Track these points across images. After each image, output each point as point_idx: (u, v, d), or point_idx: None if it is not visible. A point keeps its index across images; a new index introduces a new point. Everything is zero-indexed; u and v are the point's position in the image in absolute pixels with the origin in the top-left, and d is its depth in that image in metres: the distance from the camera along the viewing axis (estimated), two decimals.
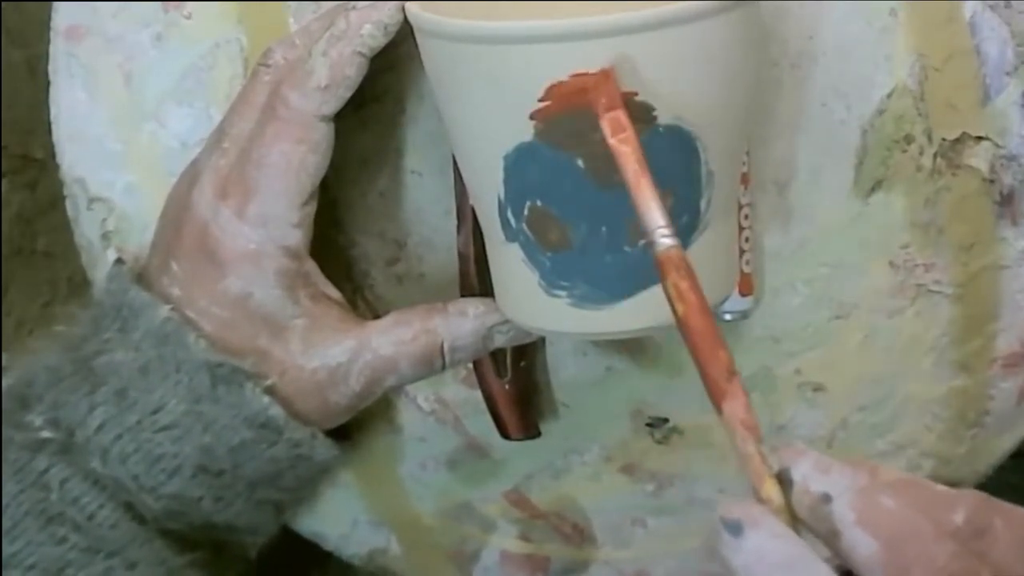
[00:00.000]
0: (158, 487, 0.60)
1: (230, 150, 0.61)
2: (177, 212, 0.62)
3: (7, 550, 0.57)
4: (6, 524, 0.57)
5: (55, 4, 0.69)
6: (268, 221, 0.60)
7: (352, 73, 0.59)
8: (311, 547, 0.74)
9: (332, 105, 0.59)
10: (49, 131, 0.70)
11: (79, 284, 0.73)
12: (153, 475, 0.59)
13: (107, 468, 0.59)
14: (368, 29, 0.58)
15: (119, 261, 0.65)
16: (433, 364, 0.62)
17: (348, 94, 0.59)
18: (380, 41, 0.59)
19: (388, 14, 0.58)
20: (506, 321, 0.61)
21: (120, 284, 0.61)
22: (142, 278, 0.62)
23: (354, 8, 0.59)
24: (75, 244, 0.71)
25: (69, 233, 0.71)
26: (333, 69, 0.58)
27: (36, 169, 0.93)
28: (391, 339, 0.61)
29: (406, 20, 0.57)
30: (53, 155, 0.70)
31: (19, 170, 0.92)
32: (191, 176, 0.62)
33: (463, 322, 0.62)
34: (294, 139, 0.59)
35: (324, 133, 0.59)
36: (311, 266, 0.62)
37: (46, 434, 0.59)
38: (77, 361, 0.60)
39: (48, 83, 0.69)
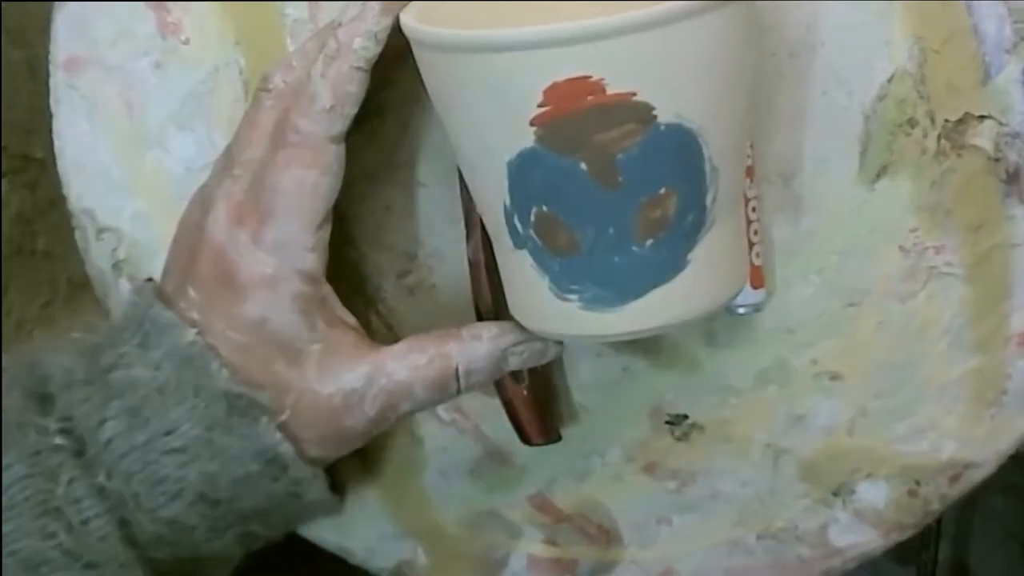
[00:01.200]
0: (156, 509, 0.59)
1: (242, 177, 0.61)
2: (191, 238, 0.62)
3: None
4: (5, 502, 0.57)
5: (53, 33, 0.69)
6: (284, 246, 0.60)
7: (355, 89, 0.59)
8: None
9: (341, 125, 0.59)
10: (49, 131, 0.70)
11: (79, 284, 0.73)
12: (154, 496, 0.59)
13: (111, 483, 0.59)
14: (359, 42, 0.59)
15: (148, 280, 0.65)
16: (448, 388, 0.62)
17: (355, 110, 0.59)
18: (374, 51, 0.59)
19: (374, 21, 0.59)
20: (520, 342, 0.61)
21: (145, 299, 0.61)
22: (161, 298, 0.62)
23: (340, 25, 0.59)
24: (75, 244, 0.71)
25: (69, 233, 0.71)
26: (335, 89, 0.59)
27: (36, 169, 0.93)
28: (406, 364, 0.61)
29: (401, 32, 0.57)
30: (53, 155, 0.70)
31: (19, 170, 0.92)
32: (202, 203, 0.63)
33: (477, 346, 0.61)
34: (306, 163, 0.59)
35: (335, 154, 0.60)
36: (328, 291, 0.62)
37: (59, 440, 0.59)
38: (92, 369, 0.60)
39: (48, 83, 0.70)
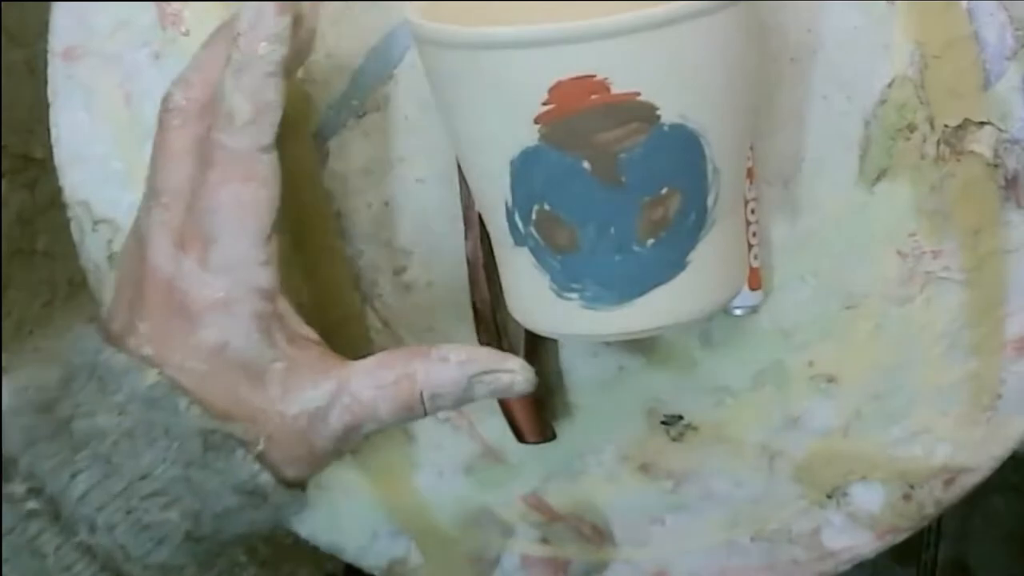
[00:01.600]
0: (145, 556, 0.57)
1: (172, 204, 0.58)
2: (135, 274, 0.60)
3: None
4: None
5: (52, 23, 0.69)
6: (234, 266, 0.58)
7: (272, 96, 0.57)
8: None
9: (268, 134, 0.57)
10: (49, 131, 0.70)
11: (79, 284, 0.73)
12: (141, 544, 0.57)
13: (94, 538, 0.57)
14: (264, 47, 0.56)
15: (92, 319, 0.62)
16: (414, 410, 0.59)
17: (278, 118, 0.57)
18: (281, 52, 0.57)
19: (274, 24, 0.57)
20: (488, 372, 0.59)
21: (92, 343, 0.59)
22: (109, 340, 0.60)
23: (239, 34, 0.57)
24: (75, 244, 0.71)
25: (69, 233, 0.71)
26: (254, 99, 0.56)
27: (36, 169, 0.93)
28: (371, 382, 0.59)
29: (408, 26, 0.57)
30: (53, 155, 0.70)
31: (19, 170, 0.92)
32: (137, 240, 0.60)
33: (444, 369, 0.59)
34: (240, 178, 0.57)
35: (268, 164, 0.58)
36: (284, 306, 0.60)
37: (32, 504, 0.57)
38: (52, 422, 0.58)
39: (47, 84, 0.69)
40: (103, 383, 0.58)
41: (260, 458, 0.58)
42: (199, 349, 0.58)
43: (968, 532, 1.27)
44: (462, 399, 0.59)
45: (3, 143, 0.90)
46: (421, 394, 0.59)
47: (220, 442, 0.57)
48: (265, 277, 0.58)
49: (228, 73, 0.57)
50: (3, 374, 0.61)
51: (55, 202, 0.72)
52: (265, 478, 0.58)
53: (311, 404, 0.59)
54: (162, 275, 0.58)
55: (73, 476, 0.57)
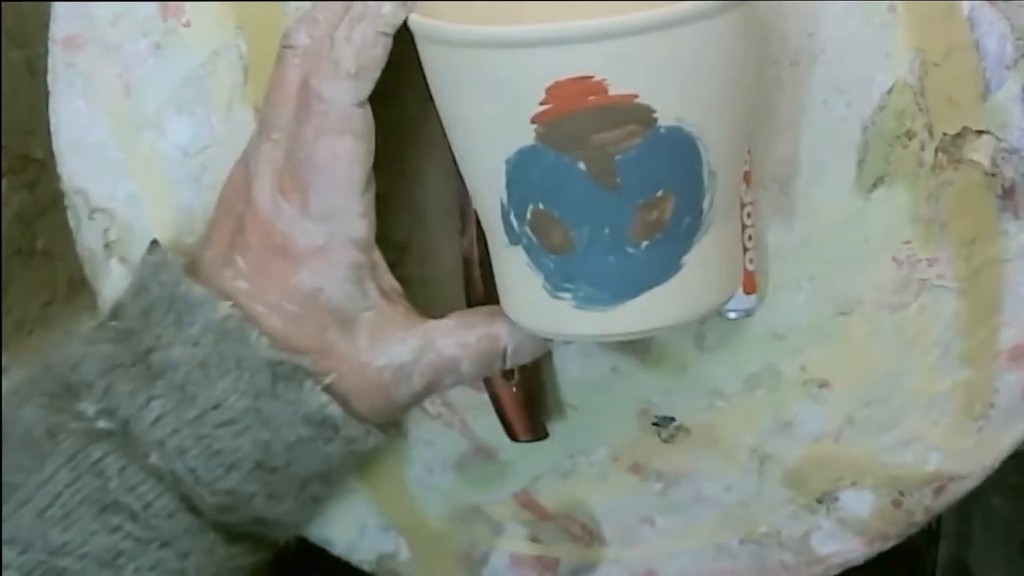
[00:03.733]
0: (215, 481, 0.60)
1: (281, 141, 0.60)
2: (237, 206, 0.62)
3: (59, 539, 0.57)
4: (58, 513, 0.58)
5: (53, 11, 0.69)
6: (332, 215, 0.59)
7: (379, 54, 0.58)
8: (316, 553, 0.74)
9: (365, 90, 0.58)
10: (49, 131, 0.70)
11: (79, 284, 0.73)
12: (211, 469, 0.59)
13: (164, 461, 0.59)
14: (389, 7, 0.57)
15: (155, 245, 0.64)
16: (493, 366, 0.62)
17: (377, 75, 0.58)
18: (401, 17, 0.57)
19: None
20: None
21: (172, 277, 0.61)
22: (194, 268, 0.62)
23: None
24: (75, 244, 0.71)
25: (69, 233, 0.71)
26: (360, 54, 0.58)
27: (36, 169, 0.93)
28: (454, 340, 0.61)
29: (405, 24, 0.57)
30: (53, 155, 0.70)
31: (19, 170, 0.92)
32: (245, 166, 0.62)
33: None
34: (336, 132, 0.58)
35: (363, 118, 0.59)
36: (378, 257, 0.62)
37: (102, 424, 0.59)
38: (131, 352, 0.60)
39: (47, 85, 0.69)
40: (179, 316, 0.60)
41: (330, 391, 0.60)
42: (295, 291, 0.60)
43: (968, 532, 1.26)
44: (541, 351, 0.64)
45: (3, 143, 0.90)
46: (504, 351, 0.61)
47: (289, 373, 0.59)
48: (361, 228, 0.60)
49: (345, 22, 0.58)
50: (3, 374, 0.61)
51: (55, 202, 0.73)
52: (334, 409, 0.60)
53: (396, 359, 0.61)
54: (264, 215, 0.60)
55: (148, 401, 0.59)
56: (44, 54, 0.69)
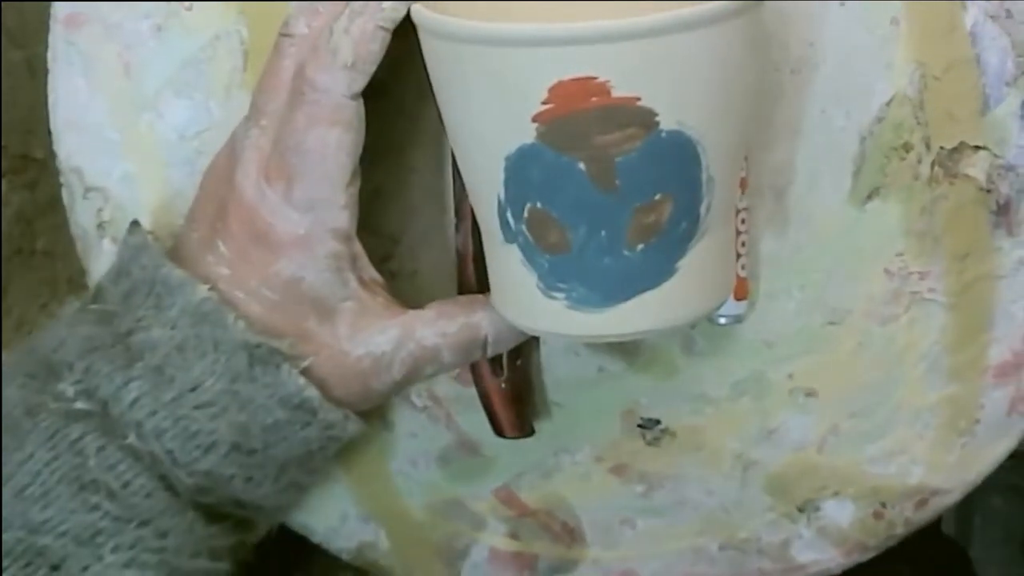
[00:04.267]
0: (192, 463, 0.60)
1: (269, 128, 0.60)
2: (221, 190, 0.62)
3: (38, 517, 0.57)
4: (37, 491, 0.58)
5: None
6: (315, 205, 0.59)
7: (376, 48, 0.58)
8: (296, 543, 0.74)
9: (360, 83, 0.58)
10: (49, 132, 0.70)
11: (79, 284, 0.73)
12: (188, 451, 0.59)
13: (141, 442, 0.59)
14: (390, 3, 0.58)
15: (136, 226, 0.64)
16: (473, 354, 0.63)
17: (373, 69, 0.59)
18: (401, 12, 0.58)
19: None
20: None
21: (152, 260, 0.61)
22: (176, 252, 0.62)
23: None
24: (75, 244, 0.71)
25: (69, 233, 0.71)
26: (358, 46, 0.58)
27: (36, 169, 0.93)
28: (435, 330, 0.62)
29: (407, 18, 0.57)
30: (53, 155, 0.70)
31: (19, 170, 0.92)
32: (230, 151, 0.62)
33: None
34: (327, 122, 0.58)
35: (355, 110, 0.59)
36: (359, 248, 0.62)
37: (80, 405, 0.59)
38: (111, 334, 0.60)
39: (47, 83, 0.69)
40: (159, 298, 0.60)
41: (307, 374, 0.60)
42: (275, 279, 0.60)
43: (968, 532, 1.27)
44: (519, 338, 0.64)
45: (3, 143, 0.90)
46: (485, 339, 0.62)
47: (266, 356, 0.59)
48: (344, 219, 0.60)
49: (346, 13, 0.58)
50: (3, 374, 0.62)
51: (55, 202, 0.73)
52: (311, 392, 0.60)
53: (376, 348, 0.62)
54: (248, 201, 0.60)
55: (126, 383, 0.59)
56: (44, 54, 0.69)
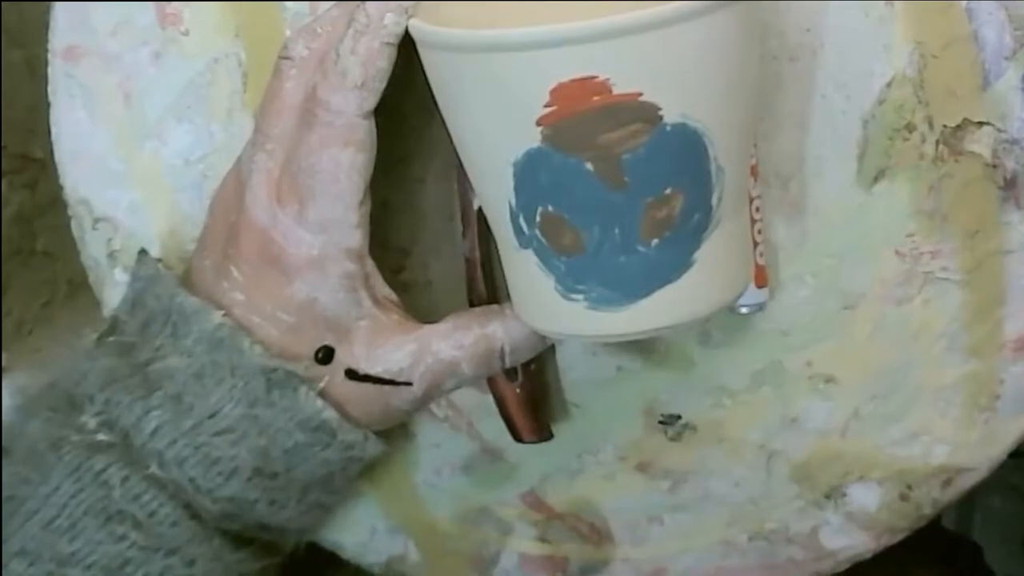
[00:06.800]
0: (215, 489, 0.60)
1: (276, 151, 0.60)
2: (230, 216, 0.62)
3: (66, 549, 0.58)
4: (64, 523, 0.58)
5: (53, 22, 0.69)
6: (328, 226, 0.59)
7: (384, 65, 0.58)
8: (326, 559, 0.74)
9: (371, 101, 0.59)
10: (49, 131, 0.70)
11: (79, 284, 0.73)
12: (210, 478, 0.60)
13: (164, 471, 0.59)
14: (391, 18, 0.57)
15: (145, 255, 0.64)
16: (492, 365, 0.63)
17: (383, 86, 0.59)
18: (403, 27, 0.58)
19: None
20: None
21: (167, 289, 0.61)
22: (189, 279, 0.63)
23: None
24: (75, 244, 0.71)
25: (69, 233, 0.71)
26: (366, 65, 0.58)
27: (36, 169, 0.93)
28: (451, 343, 0.62)
29: (406, 31, 0.57)
30: (53, 155, 0.70)
31: (19, 170, 0.92)
32: (236, 177, 0.62)
33: (521, 324, 0.61)
34: (341, 142, 0.58)
35: (368, 129, 0.59)
36: (371, 267, 0.62)
37: (102, 436, 0.59)
38: (130, 365, 0.60)
39: (47, 84, 0.69)
40: (176, 327, 0.60)
41: (325, 396, 0.61)
42: (289, 301, 0.60)
43: (968, 532, 1.27)
44: (539, 347, 0.63)
45: (3, 143, 0.90)
46: (502, 350, 0.62)
47: (283, 380, 0.60)
48: (357, 239, 0.60)
49: (349, 34, 0.58)
50: (3, 374, 0.62)
51: (55, 202, 0.73)
52: (329, 414, 0.60)
53: (394, 365, 0.62)
54: (259, 224, 0.60)
55: (146, 412, 0.60)
56: (44, 54, 0.69)
